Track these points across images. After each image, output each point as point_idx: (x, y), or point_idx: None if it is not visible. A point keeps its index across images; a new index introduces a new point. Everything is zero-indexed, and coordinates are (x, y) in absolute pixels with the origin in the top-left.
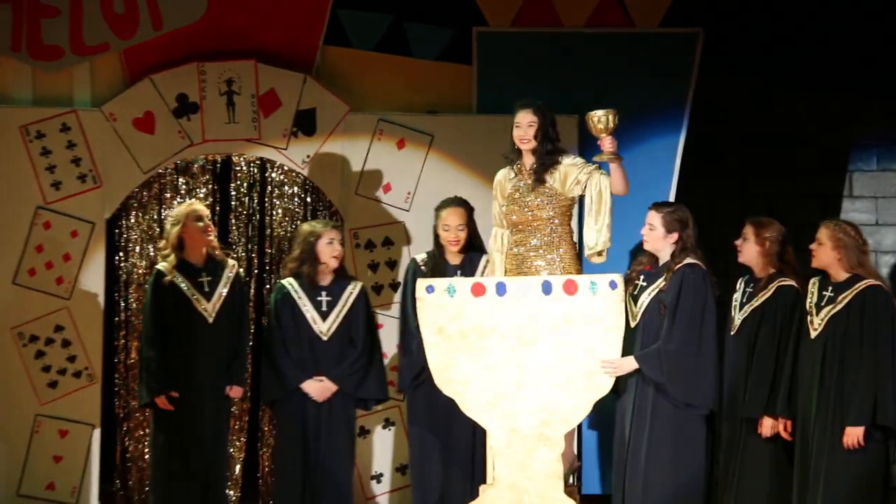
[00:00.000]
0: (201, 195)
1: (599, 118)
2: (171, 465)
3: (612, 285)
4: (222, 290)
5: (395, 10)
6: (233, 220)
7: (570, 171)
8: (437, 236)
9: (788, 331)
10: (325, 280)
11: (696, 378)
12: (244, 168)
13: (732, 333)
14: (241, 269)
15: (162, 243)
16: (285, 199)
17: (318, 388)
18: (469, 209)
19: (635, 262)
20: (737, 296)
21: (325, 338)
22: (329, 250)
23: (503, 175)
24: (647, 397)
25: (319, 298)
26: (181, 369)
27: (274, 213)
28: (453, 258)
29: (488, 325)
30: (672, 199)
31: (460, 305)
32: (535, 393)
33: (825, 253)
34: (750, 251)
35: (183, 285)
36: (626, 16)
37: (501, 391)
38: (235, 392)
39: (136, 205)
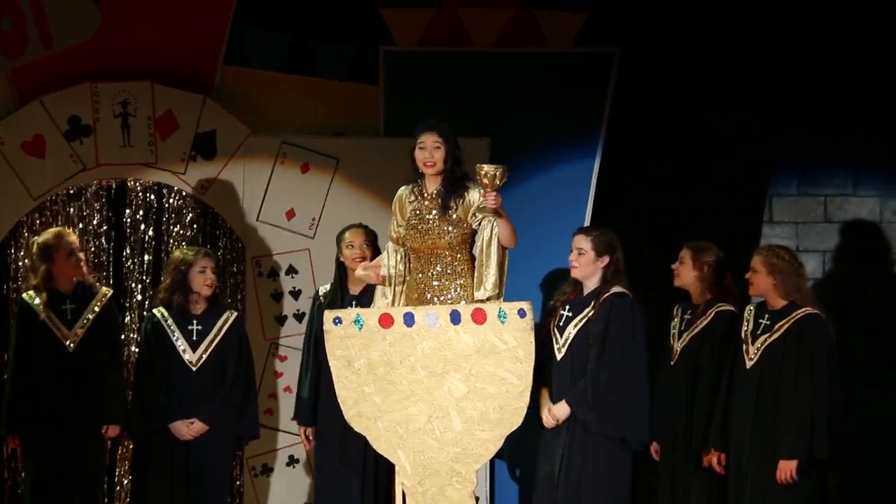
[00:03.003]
0: (95, 222)
1: (486, 172)
2: None
3: (521, 314)
4: (87, 317)
5: (299, 29)
6: (127, 249)
7: (473, 202)
8: (339, 265)
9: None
10: (198, 309)
11: (627, 411)
12: (140, 193)
13: (672, 363)
14: (139, 296)
15: (31, 277)
16: (184, 226)
17: (185, 431)
18: (372, 234)
19: (558, 291)
20: (674, 323)
21: (194, 368)
22: (201, 279)
23: (404, 194)
24: (579, 433)
25: (190, 327)
26: (42, 403)
27: (171, 240)
28: (354, 286)
29: (397, 357)
30: (588, 221)
31: (368, 337)
32: (446, 426)
33: (761, 280)
34: (687, 276)
35: (43, 312)
36: (539, 34)
37: (411, 426)
38: (112, 431)
39: (26, 232)
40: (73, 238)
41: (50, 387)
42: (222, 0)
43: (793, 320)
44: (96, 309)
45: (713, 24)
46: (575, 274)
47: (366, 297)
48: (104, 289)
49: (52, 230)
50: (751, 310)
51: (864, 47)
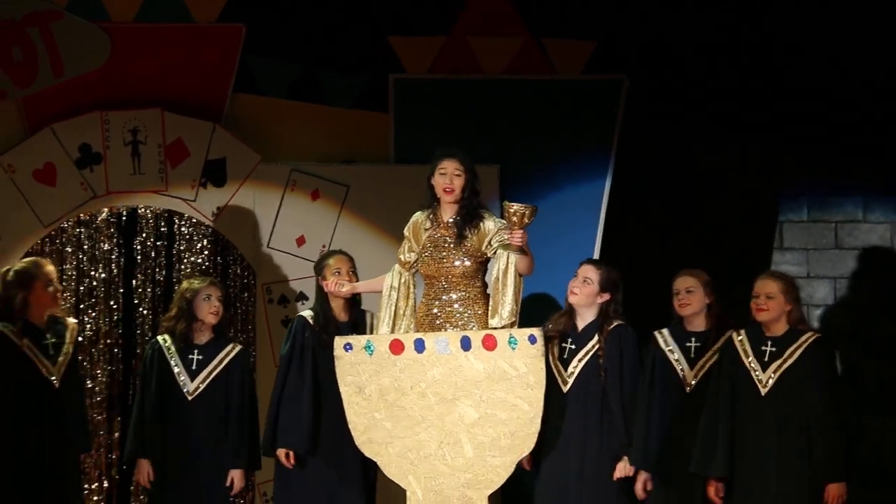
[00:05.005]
0: (105, 249)
1: (516, 211)
2: None
3: (532, 340)
4: (67, 351)
5: (309, 57)
6: (139, 276)
7: (489, 232)
8: (321, 291)
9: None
10: (202, 339)
11: (644, 441)
12: (151, 221)
13: (688, 391)
14: (146, 326)
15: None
16: (194, 253)
17: (145, 471)
18: (353, 261)
19: (550, 321)
20: (672, 351)
21: (189, 397)
22: (206, 306)
23: (420, 219)
24: (595, 465)
25: (191, 357)
26: (27, 440)
27: (182, 267)
28: (341, 314)
29: (407, 383)
30: (598, 247)
31: (379, 363)
32: (457, 452)
33: (778, 306)
34: (700, 303)
35: (27, 350)
36: (548, 62)
37: (422, 451)
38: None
39: None
40: (52, 268)
41: (33, 421)
42: (232, 28)
43: (805, 345)
44: (71, 339)
45: (723, 52)
46: (572, 300)
47: (360, 324)
48: (71, 320)
49: (30, 259)
50: (742, 337)
51: (875, 72)
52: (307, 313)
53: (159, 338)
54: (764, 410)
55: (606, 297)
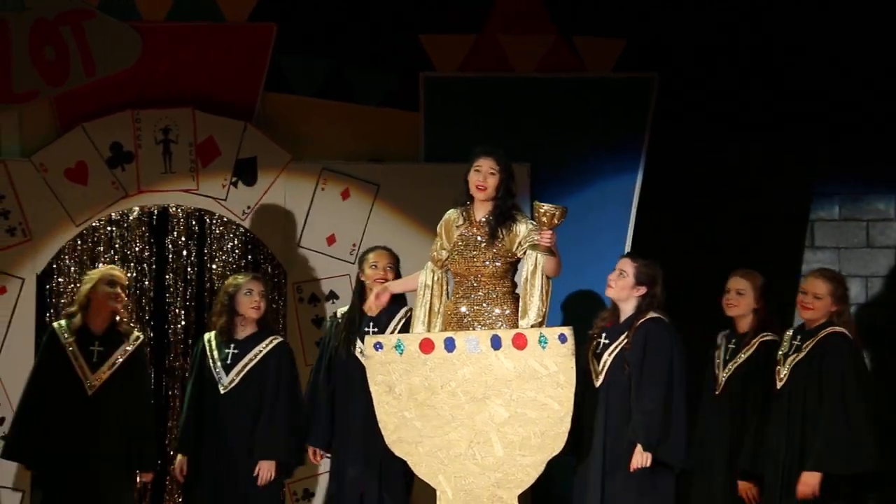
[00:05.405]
0: (137, 248)
1: (546, 211)
2: None
3: (562, 339)
4: (115, 361)
5: (339, 56)
6: (170, 275)
7: (520, 232)
8: (359, 285)
9: None
10: (243, 334)
11: (670, 436)
12: (182, 220)
13: (717, 393)
14: (178, 325)
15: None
16: (225, 252)
17: (176, 470)
18: (396, 258)
19: (598, 318)
20: (718, 353)
21: (223, 390)
22: (247, 301)
23: (452, 217)
24: (619, 458)
25: (227, 351)
26: (54, 439)
27: (213, 266)
28: (373, 309)
29: (437, 382)
30: (628, 246)
31: (409, 362)
32: (487, 452)
33: (825, 306)
34: (748, 306)
35: (71, 349)
36: (579, 60)
37: (452, 451)
38: (145, 477)
39: (68, 259)
40: (119, 273)
41: (63, 425)
42: (263, 28)
43: (818, 339)
44: (125, 352)
45: (753, 49)
46: (609, 293)
47: (382, 319)
48: (136, 333)
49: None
50: (789, 333)
51: (875, 72)
52: (341, 310)
53: (206, 334)
54: (779, 404)
55: (642, 290)
